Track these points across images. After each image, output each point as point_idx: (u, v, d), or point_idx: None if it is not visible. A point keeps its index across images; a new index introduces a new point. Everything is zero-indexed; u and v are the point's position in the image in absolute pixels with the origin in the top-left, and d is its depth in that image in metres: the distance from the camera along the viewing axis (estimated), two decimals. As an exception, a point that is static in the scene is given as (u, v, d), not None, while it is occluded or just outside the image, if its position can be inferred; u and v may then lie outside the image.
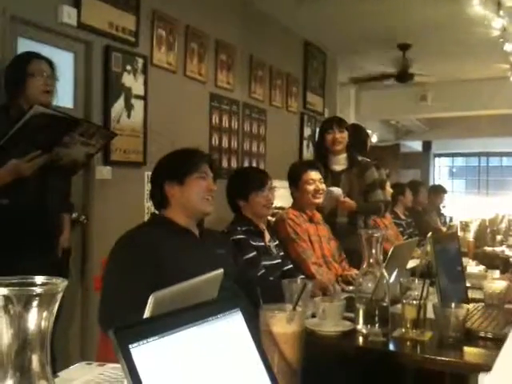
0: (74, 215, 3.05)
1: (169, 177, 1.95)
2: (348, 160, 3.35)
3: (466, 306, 1.67)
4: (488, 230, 4.43)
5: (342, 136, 3.31)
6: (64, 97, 2.90)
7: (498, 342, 1.61)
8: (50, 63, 2.58)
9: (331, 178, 3.28)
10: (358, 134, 3.63)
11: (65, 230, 2.74)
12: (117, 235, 1.89)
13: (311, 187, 2.86)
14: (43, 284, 0.62)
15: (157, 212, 2.03)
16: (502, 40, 5.25)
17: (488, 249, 4.11)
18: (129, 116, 3.51)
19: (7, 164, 2.30)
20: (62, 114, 2.46)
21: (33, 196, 2.46)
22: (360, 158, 3.38)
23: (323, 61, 6.36)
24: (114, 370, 1.25)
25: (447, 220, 6.50)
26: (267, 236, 2.57)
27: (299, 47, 5.89)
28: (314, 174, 2.91)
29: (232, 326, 0.91)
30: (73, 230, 2.95)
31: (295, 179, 2.92)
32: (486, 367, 1.45)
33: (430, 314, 1.72)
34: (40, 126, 2.32)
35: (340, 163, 3.35)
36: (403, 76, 6.61)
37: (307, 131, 6.03)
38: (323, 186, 2.91)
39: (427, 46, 6.10)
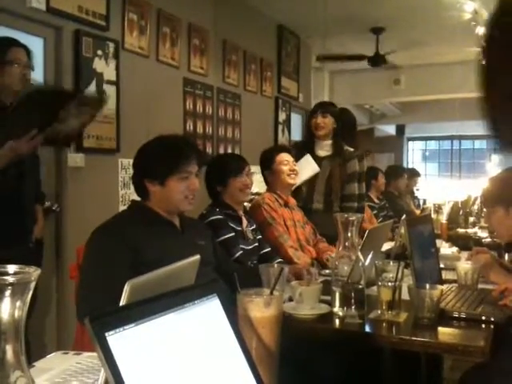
0: (47, 204, 3.00)
1: (149, 175, 1.89)
2: (333, 147, 3.32)
3: (440, 287, 1.69)
4: (461, 212, 4.51)
5: (324, 121, 3.28)
6: (34, 83, 2.84)
7: (471, 322, 1.64)
8: (28, 51, 2.52)
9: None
10: (345, 120, 3.53)
11: (39, 220, 2.70)
12: (91, 223, 1.86)
13: (286, 167, 2.88)
14: (16, 273, 0.61)
15: (137, 199, 2.00)
16: (473, 23, 5.29)
17: (461, 230, 4.18)
18: (101, 102, 3.45)
19: (5, 145, 2.24)
20: (59, 88, 2.41)
21: (10, 184, 2.42)
22: (345, 148, 3.35)
23: (297, 45, 6.34)
24: (91, 358, 1.24)
25: (421, 203, 6.59)
26: (244, 222, 2.57)
27: (273, 31, 5.87)
28: (287, 156, 2.93)
29: (209, 311, 0.90)
30: (46, 219, 2.90)
31: (268, 162, 2.93)
32: (461, 347, 1.49)
33: (405, 296, 1.74)
34: (35, 105, 2.25)
35: (324, 149, 3.33)
36: (376, 59, 6.63)
37: (282, 116, 6.03)
38: (296, 167, 2.93)
39: (400, 29, 6.12)
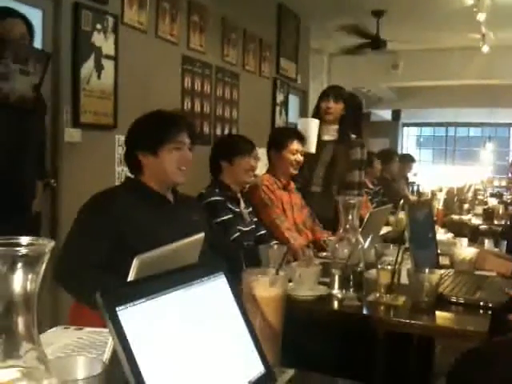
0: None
1: (141, 146, 1.88)
2: (339, 133, 3.27)
3: (439, 271, 1.70)
4: (455, 199, 4.53)
5: (336, 107, 3.22)
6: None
7: (469, 308, 1.65)
8: (28, 23, 2.40)
9: (316, 146, 3.25)
10: (353, 106, 3.46)
11: (38, 195, 2.68)
12: (86, 199, 1.85)
13: (293, 157, 2.84)
14: (29, 244, 0.60)
15: (131, 176, 1.99)
16: (475, 10, 5.27)
17: (455, 217, 4.21)
18: (99, 77, 3.41)
19: None
20: None
21: (9, 157, 2.38)
22: (351, 136, 3.30)
23: (296, 26, 6.28)
24: (92, 334, 1.24)
25: (415, 188, 6.61)
26: (242, 204, 2.57)
27: (273, 11, 5.80)
28: (298, 145, 2.88)
29: (216, 289, 0.90)
30: (42, 194, 2.88)
31: (279, 144, 2.88)
32: (459, 331, 1.50)
33: (404, 280, 1.75)
34: None
35: (329, 133, 3.28)
36: (376, 43, 6.60)
37: (280, 97, 5.99)
38: (301, 159, 2.90)
39: (401, 13, 6.08)
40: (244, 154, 2.54)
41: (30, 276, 0.60)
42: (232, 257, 1.94)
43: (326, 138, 3.29)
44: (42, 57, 2.59)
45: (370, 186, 5.22)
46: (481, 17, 5.40)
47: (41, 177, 2.74)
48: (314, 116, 3.36)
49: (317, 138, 3.22)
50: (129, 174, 2.07)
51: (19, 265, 0.59)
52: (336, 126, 3.28)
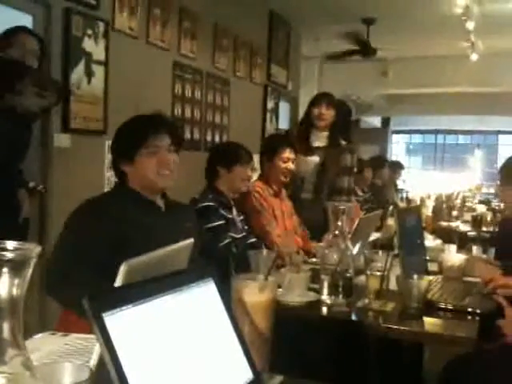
0: (32, 184, 2.95)
1: (120, 154, 1.84)
2: (329, 139, 3.29)
3: (428, 277, 1.70)
4: (444, 206, 4.55)
5: (329, 113, 3.24)
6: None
7: (458, 314, 1.66)
8: (39, 38, 2.53)
9: (306, 150, 3.26)
10: (343, 113, 3.50)
11: (24, 204, 2.68)
12: (76, 204, 1.83)
13: (284, 165, 2.85)
14: (15, 249, 0.59)
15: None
16: (464, 18, 5.32)
17: (444, 224, 4.22)
18: (89, 82, 3.41)
19: None
20: (9, 57, 2.39)
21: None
22: (341, 142, 3.32)
23: (288, 33, 6.31)
24: (79, 340, 1.23)
25: (404, 195, 6.64)
26: (234, 211, 2.57)
27: (264, 18, 5.82)
28: (290, 153, 2.89)
29: (205, 295, 0.90)
30: (31, 200, 2.86)
31: (270, 152, 2.90)
32: (447, 337, 1.51)
33: (393, 286, 1.75)
34: None
35: (319, 140, 3.29)
36: (366, 50, 6.63)
37: (270, 104, 6.00)
38: (293, 167, 2.90)
39: (391, 21, 6.12)
40: (243, 163, 2.56)
41: (16, 281, 0.60)
42: (221, 262, 1.93)
43: (317, 144, 3.30)
44: (60, 88, 2.78)
45: (360, 193, 5.24)
46: (470, 25, 5.45)
47: (22, 185, 2.74)
48: (304, 122, 3.38)
49: (307, 145, 3.24)
50: (116, 180, 2.06)
51: (5, 269, 0.58)
52: (326, 133, 3.29)
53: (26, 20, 3.03)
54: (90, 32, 3.38)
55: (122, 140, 1.85)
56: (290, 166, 2.87)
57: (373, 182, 5.68)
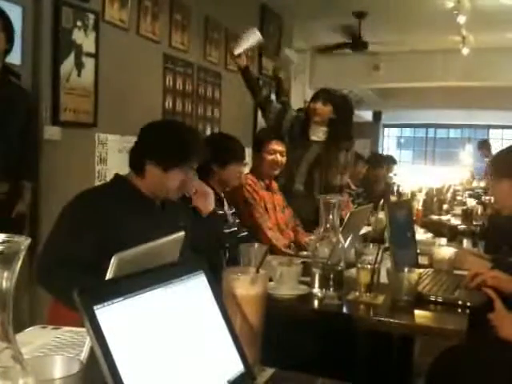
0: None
1: (154, 158, 1.84)
2: (327, 135, 3.27)
3: (418, 270, 1.71)
4: (435, 200, 4.57)
5: (323, 109, 3.22)
6: (12, 53, 2.77)
7: (448, 306, 1.67)
8: (5, 19, 2.42)
9: (303, 145, 3.26)
10: (344, 110, 3.38)
11: (25, 197, 2.67)
12: (66, 198, 1.82)
13: (270, 157, 2.85)
14: (4, 242, 0.59)
15: (122, 174, 1.96)
16: (455, 12, 5.32)
17: (434, 217, 4.24)
18: (79, 74, 3.38)
19: None
20: None
21: None
22: (340, 139, 3.31)
23: (279, 26, 6.28)
24: (70, 333, 1.22)
25: (394, 189, 6.65)
26: (226, 205, 2.56)
27: (256, 10, 5.79)
28: (277, 145, 2.88)
29: (196, 288, 0.90)
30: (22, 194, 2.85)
31: (258, 145, 2.92)
32: (437, 329, 1.52)
33: (383, 279, 1.76)
34: None
35: (317, 135, 3.28)
36: (358, 44, 6.63)
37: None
38: (283, 160, 2.90)
39: (383, 14, 6.11)
40: (238, 161, 2.52)
41: (5, 274, 0.59)
42: (213, 255, 1.93)
43: (313, 138, 3.30)
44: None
45: (353, 187, 5.25)
46: (461, 19, 5.45)
47: (28, 177, 2.72)
48: (305, 115, 3.37)
49: (304, 138, 3.23)
50: (110, 173, 2.05)
51: (-7, 262, 0.58)
52: (324, 128, 3.28)
53: (16, 11, 3.00)
54: (80, 24, 3.35)
55: (164, 148, 1.86)
56: (278, 157, 2.87)
57: (367, 178, 5.69)
